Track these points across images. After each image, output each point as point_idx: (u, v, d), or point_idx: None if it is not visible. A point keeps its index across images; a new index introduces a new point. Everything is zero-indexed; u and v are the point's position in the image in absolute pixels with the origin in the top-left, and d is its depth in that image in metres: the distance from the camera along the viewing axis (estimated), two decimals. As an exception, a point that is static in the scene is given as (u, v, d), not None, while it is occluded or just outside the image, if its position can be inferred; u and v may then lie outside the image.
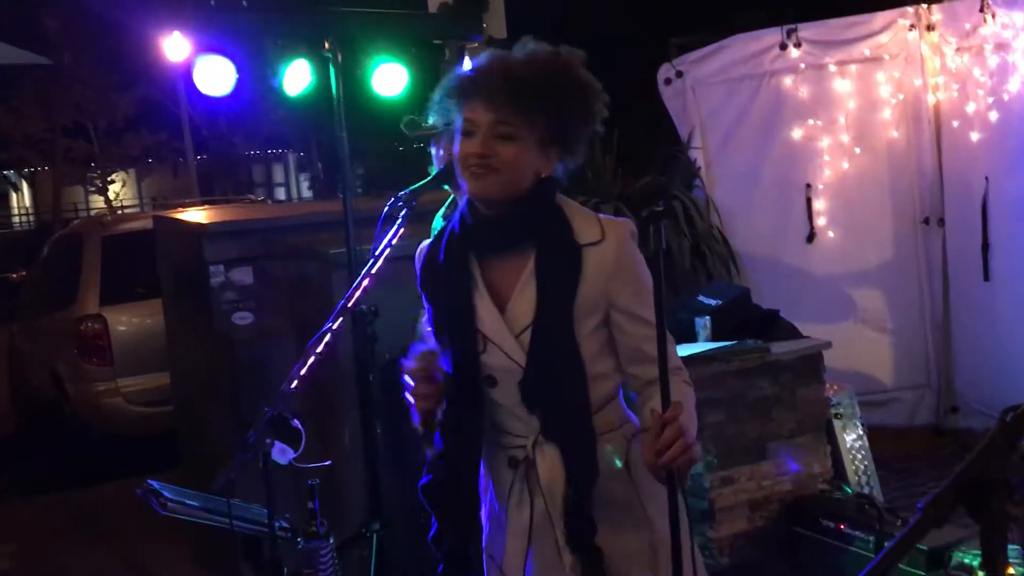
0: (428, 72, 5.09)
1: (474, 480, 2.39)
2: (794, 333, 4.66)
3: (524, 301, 2.24)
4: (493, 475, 2.37)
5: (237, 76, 4.23)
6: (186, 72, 4.37)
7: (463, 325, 2.27)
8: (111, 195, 28.09)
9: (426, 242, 2.44)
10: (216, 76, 4.20)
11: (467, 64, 4.65)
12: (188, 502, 3.07)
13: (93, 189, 28.47)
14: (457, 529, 2.45)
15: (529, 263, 2.24)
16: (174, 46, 4.48)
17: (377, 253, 3.21)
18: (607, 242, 2.23)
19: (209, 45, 4.25)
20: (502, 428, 2.32)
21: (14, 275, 16.79)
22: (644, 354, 2.21)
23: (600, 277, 2.22)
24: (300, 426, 3.01)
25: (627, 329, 2.24)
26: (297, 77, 4.39)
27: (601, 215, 2.30)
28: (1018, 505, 1.15)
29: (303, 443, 2.96)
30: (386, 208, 3.20)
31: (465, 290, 2.28)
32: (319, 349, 3.08)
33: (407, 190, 3.29)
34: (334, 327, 3.13)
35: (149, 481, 3.11)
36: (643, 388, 2.25)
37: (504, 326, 2.24)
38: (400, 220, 3.22)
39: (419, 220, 3.35)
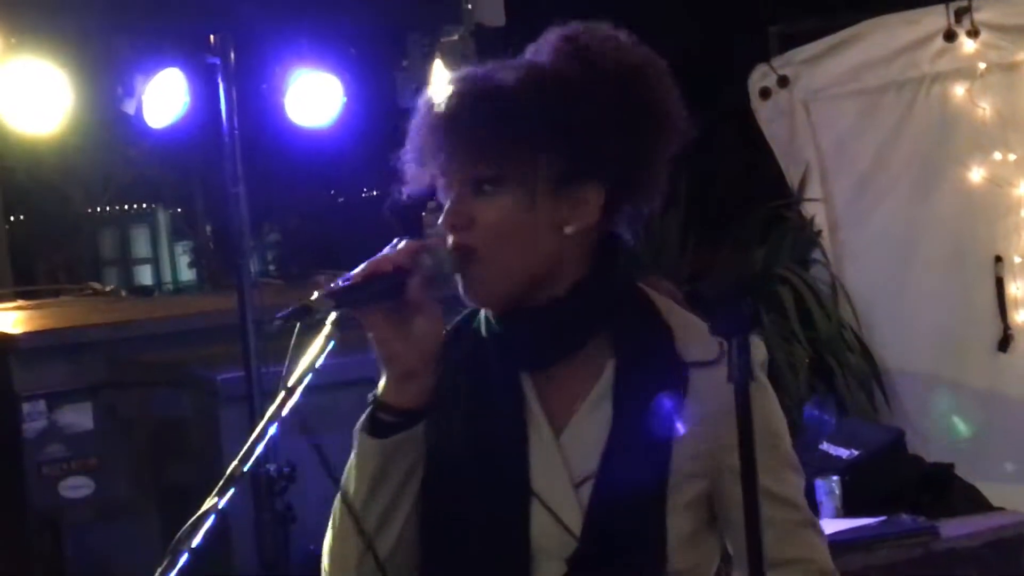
0: (378, 85, 5.16)
1: None
2: (979, 502, 4.64)
3: (586, 435, 2.24)
4: None
5: (66, 97, 4.30)
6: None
7: (504, 465, 2.25)
8: None
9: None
10: (30, 99, 4.27)
11: (437, 77, 4.76)
12: None
13: None
14: None
15: (606, 372, 2.25)
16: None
17: (291, 382, 3.23)
18: (723, 364, 2.16)
19: (22, 48, 4.32)
20: None
21: None
22: (771, 549, 2.15)
23: (712, 417, 2.20)
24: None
25: (730, 497, 2.21)
26: (165, 97, 4.46)
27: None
28: None
29: None
30: (305, 306, 3.22)
31: (513, 414, 2.27)
32: (195, 541, 3.08)
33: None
34: (221, 504, 3.14)
35: None
36: None
37: (562, 472, 2.24)
38: (329, 326, 3.24)
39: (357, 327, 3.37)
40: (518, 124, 2.18)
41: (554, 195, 2.20)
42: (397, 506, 2.25)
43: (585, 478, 2.21)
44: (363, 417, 2.27)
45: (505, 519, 2.23)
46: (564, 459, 2.24)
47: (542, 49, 2.27)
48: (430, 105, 2.22)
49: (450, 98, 2.20)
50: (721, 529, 2.28)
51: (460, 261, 2.19)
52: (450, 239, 2.20)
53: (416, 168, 2.25)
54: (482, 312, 2.28)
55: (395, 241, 2.22)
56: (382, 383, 2.24)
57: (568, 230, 2.21)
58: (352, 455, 2.29)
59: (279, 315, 2.17)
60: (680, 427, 2.17)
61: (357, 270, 2.17)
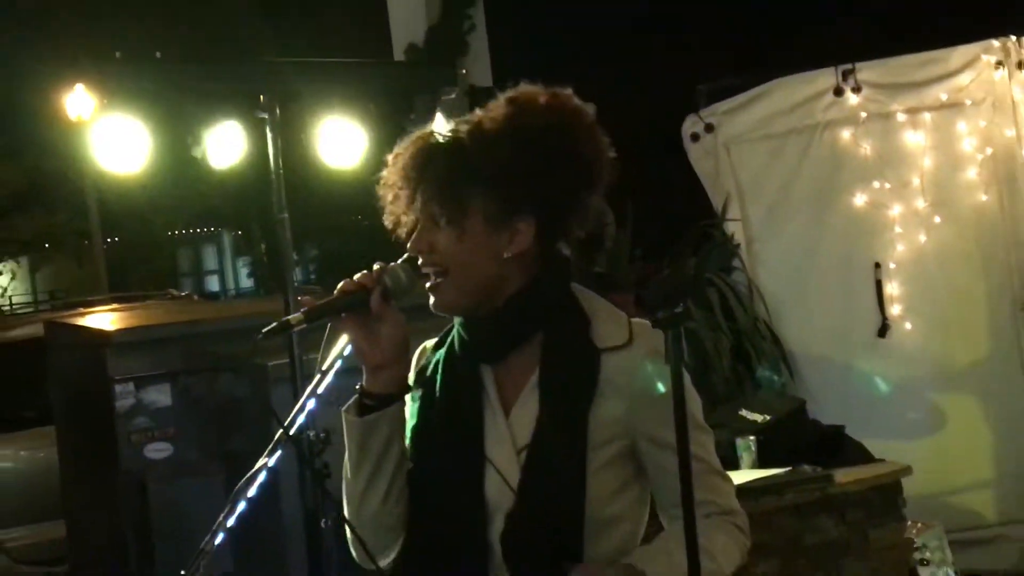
0: (392, 133, 5.13)
1: None
2: (864, 456, 4.63)
3: (527, 414, 2.25)
4: None
5: (148, 145, 4.27)
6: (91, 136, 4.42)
7: (466, 437, 2.28)
8: (-4, 291, 28.12)
9: (430, 341, 2.43)
10: (121, 145, 4.24)
11: (439, 121, 4.71)
12: None
13: (-27, 284, 28.50)
14: None
15: (537, 366, 2.26)
16: (77, 104, 4.53)
17: (325, 366, 3.20)
18: (635, 348, 2.23)
19: (113, 106, 4.29)
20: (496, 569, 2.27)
21: None
22: (674, 485, 2.15)
23: (621, 392, 2.22)
24: (228, 594, 2.98)
25: (660, 461, 2.23)
26: (226, 144, 4.44)
27: (635, 319, 2.28)
28: None
29: (231, 615, 2.93)
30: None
31: (473, 398, 2.31)
32: (252, 492, 3.06)
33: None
34: (271, 463, 3.11)
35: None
36: (675, 525, 2.23)
37: (508, 443, 2.26)
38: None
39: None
40: (450, 175, 2.21)
41: (490, 228, 2.23)
42: (380, 467, 2.28)
43: (523, 447, 2.24)
44: (350, 401, 2.32)
45: (465, 479, 2.27)
46: (511, 433, 2.26)
47: (489, 109, 2.28)
48: (402, 151, 2.26)
49: (415, 146, 2.25)
50: (650, 484, 2.29)
51: (431, 279, 2.25)
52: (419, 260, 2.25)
53: (391, 204, 2.29)
54: (456, 322, 2.33)
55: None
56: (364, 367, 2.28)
57: (506, 255, 2.24)
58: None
59: (264, 330, 2.26)
60: (593, 403, 2.21)
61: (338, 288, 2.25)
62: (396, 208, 2.28)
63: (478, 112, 2.28)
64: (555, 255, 2.30)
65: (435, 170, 2.21)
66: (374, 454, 2.28)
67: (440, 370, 2.35)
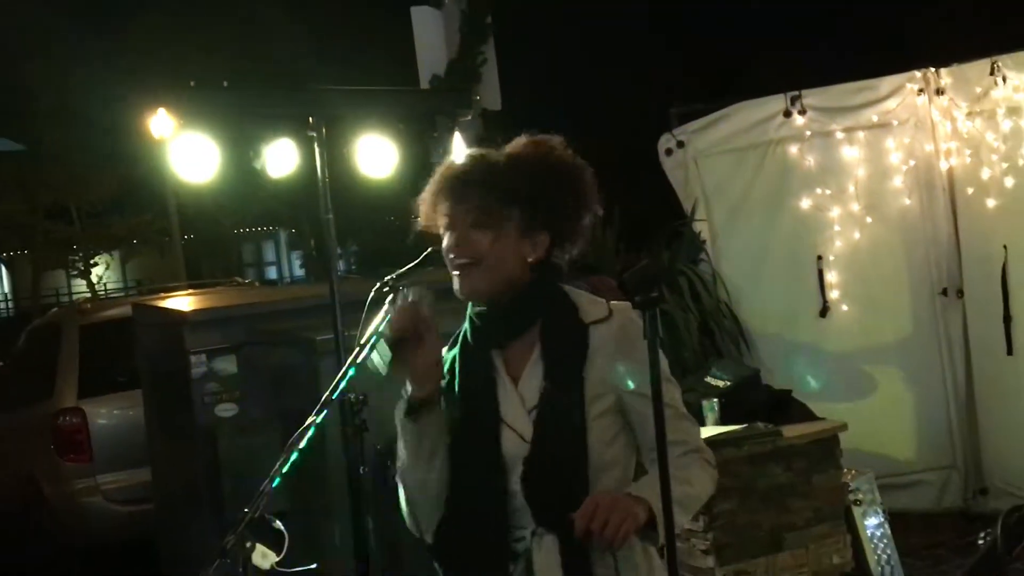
0: (418, 148, 5.13)
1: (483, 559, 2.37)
2: (808, 415, 4.64)
3: (533, 381, 2.32)
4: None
5: (217, 158, 4.27)
6: (171, 150, 4.42)
7: (483, 406, 2.35)
8: (94, 279, 28.12)
9: (444, 348, 2.45)
10: (195, 158, 4.24)
11: (457, 139, 4.71)
12: (164, 612, 3.02)
13: (75, 273, 28.50)
14: None
15: (538, 343, 2.33)
16: (159, 124, 4.53)
17: (363, 340, 3.21)
18: (613, 319, 2.32)
19: (188, 126, 4.29)
20: (510, 519, 2.32)
21: (-8, 367, 16.73)
22: (652, 429, 2.21)
23: (606, 355, 2.29)
24: (283, 527, 2.97)
25: (638, 409, 2.28)
26: (281, 158, 4.43)
27: (613, 301, 2.37)
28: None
29: (286, 545, 2.93)
30: (372, 292, 3.21)
31: (487, 375, 2.37)
32: (303, 444, 3.06)
33: (393, 273, 3.31)
34: (318, 420, 3.12)
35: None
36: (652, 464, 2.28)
37: (520, 406, 2.32)
38: (387, 304, 3.23)
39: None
40: (500, 189, 2.31)
41: (520, 237, 2.33)
42: (434, 455, 2.34)
43: (533, 407, 2.31)
44: (400, 406, 2.38)
45: (485, 440, 2.33)
46: (521, 398, 2.33)
47: (516, 146, 2.39)
48: (446, 170, 2.37)
49: (461, 167, 2.36)
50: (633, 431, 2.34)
51: (466, 266, 2.31)
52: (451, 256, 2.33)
53: (428, 208, 2.39)
54: (466, 322, 2.41)
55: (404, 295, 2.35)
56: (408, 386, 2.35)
57: (529, 259, 2.34)
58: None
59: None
60: (585, 365, 2.29)
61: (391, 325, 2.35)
62: (429, 211, 2.39)
63: (506, 148, 2.39)
64: (551, 262, 2.39)
65: (482, 187, 2.31)
66: (428, 445, 2.34)
67: (458, 361, 2.41)
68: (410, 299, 2.33)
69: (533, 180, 2.32)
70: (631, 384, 2.28)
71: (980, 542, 1.26)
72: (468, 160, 2.38)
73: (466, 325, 2.42)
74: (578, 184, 2.37)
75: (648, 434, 2.23)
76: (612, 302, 2.36)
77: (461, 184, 2.32)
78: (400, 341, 2.30)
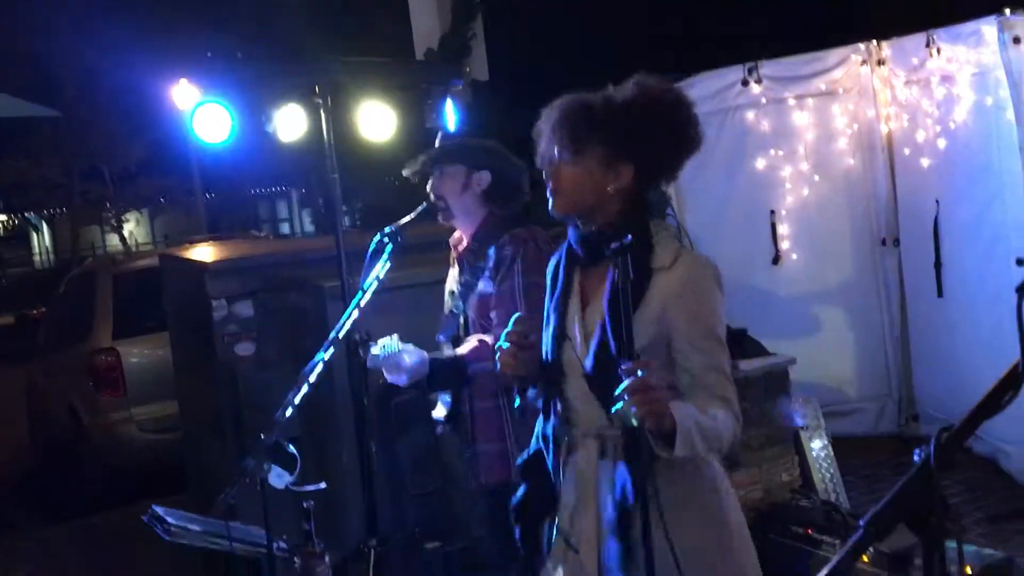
0: (414, 114, 5.08)
1: (550, 455, 2.45)
2: (761, 351, 4.65)
3: (597, 309, 2.31)
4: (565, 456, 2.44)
5: (233, 124, 4.21)
6: (193, 117, 4.37)
7: (554, 321, 2.40)
8: (126, 234, 28.04)
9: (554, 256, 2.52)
10: (213, 124, 4.19)
11: (449, 106, 4.64)
12: (190, 527, 3.03)
13: (109, 229, 28.43)
14: (536, 499, 2.49)
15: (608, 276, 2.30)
16: (182, 93, 4.47)
17: (365, 285, 3.20)
18: (676, 270, 2.29)
19: (207, 95, 4.23)
20: (569, 417, 2.39)
21: (35, 312, 16.70)
22: (691, 374, 2.25)
23: (661, 301, 2.26)
24: (295, 451, 2.98)
25: (683, 354, 2.26)
26: (291, 122, 4.38)
27: (689, 250, 2.37)
28: (953, 521, 1.14)
29: (298, 468, 2.94)
30: (373, 243, 3.19)
31: (565, 292, 2.41)
32: (312, 378, 3.06)
33: (393, 225, 3.29)
34: (326, 357, 3.12)
35: (154, 507, 3.07)
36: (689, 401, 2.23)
37: (581, 327, 2.34)
38: (387, 254, 3.22)
39: (406, 253, 3.34)
40: (579, 127, 2.30)
41: (602, 169, 2.31)
42: None
43: (592, 332, 2.32)
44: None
45: (552, 350, 2.39)
46: (583, 322, 2.35)
47: (621, 88, 2.35)
48: (550, 108, 2.37)
49: (560, 104, 2.36)
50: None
51: (553, 193, 2.35)
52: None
53: (540, 147, 2.38)
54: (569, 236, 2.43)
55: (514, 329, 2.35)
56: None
57: (609, 189, 2.32)
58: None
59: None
60: (641, 309, 2.25)
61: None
62: (542, 147, 2.37)
63: (611, 88, 2.37)
64: (643, 198, 2.37)
65: (570, 123, 2.30)
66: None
67: (553, 272, 2.47)
68: (509, 343, 2.33)
69: (618, 114, 2.28)
70: (679, 327, 2.25)
71: (915, 458, 1.26)
72: (568, 98, 2.36)
73: (566, 243, 2.46)
74: (667, 118, 2.29)
75: (687, 377, 2.24)
76: (686, 251, 2.34)
77: (557, 119, 2.32)
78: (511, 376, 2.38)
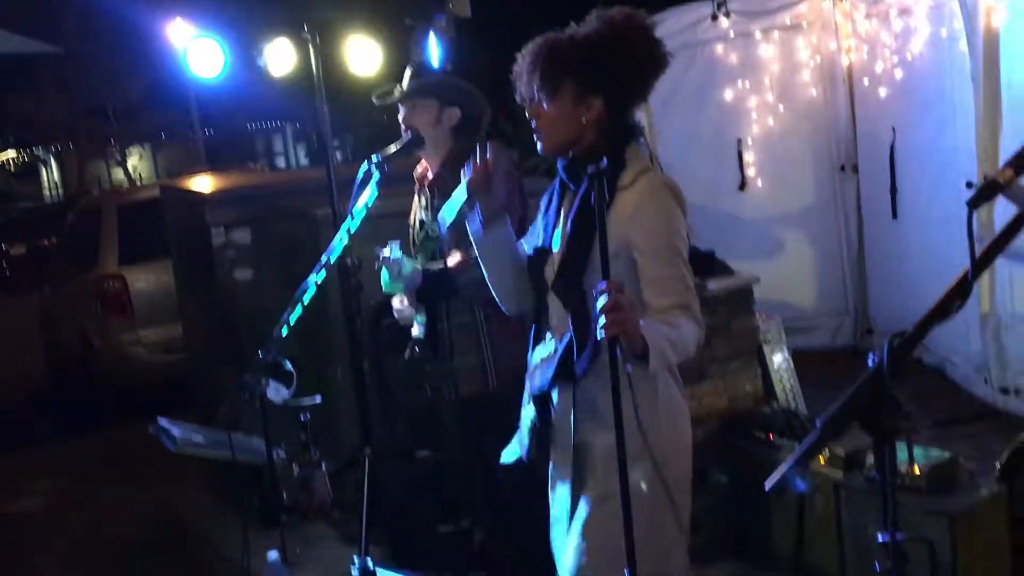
0: (399, 50, 5.00)
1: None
2: (727, 271, 4.64)
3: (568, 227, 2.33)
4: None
5: (226, 59, 4.14)
6: (189, 54, 4.28)
7: (542, 240, 2.42)
8: (130, 168, 27.77)
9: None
10: (207, 59, 4.11)
11: (432, 41, 4.55)
12: (194, 438, 3.05)
13: (114, 164, 28.14)
14: (544, 423, 2.49)
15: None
16: (176, 30, 4.37)
17: (354, 213, 3.17)
18: (635, 187, 2.29)
19: (200, 31, 4.15)
20: (551, 326, 2.42)
21: (46, 242, 16.58)
22: (654, 285, 2.25)
23: (622, 217, 2.26)
24: (292, 368, 2.98)
25: (643, 266, 2.27)
26: (281, 57, 4.31)
27: (652, 170, 2.34)
28: (905, 419, 1.14)
29: (295, 383, 2.94)
30: (360, 172, 3.15)
31: (555, 216, 2.41)
32: (305, 299, 3.05)
33: (379, 154, 3.25)
34: (319, 280, 3.10)
35: (160, 421, 3.08)
36: (653, 315, 2.24)
37: (561, 242, 2.35)
38: (374, 183, 3.18)
39: (392, 183, 3.31)
40: (551, 68, 2.29)
41: (574, 104, 2.30)
42: (500, 262, 2.47)
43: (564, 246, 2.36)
44: (474, 229, 2.45)
45: (537, 264, 2.40)
46: (563, 237, 2.35)
47: (585, 23, 2.33)
48: (523, 50, 2.35)
49: (531, 48, 2.34)
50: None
51: (537, 133, 2.35)
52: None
53: (520, 89, 2.36)
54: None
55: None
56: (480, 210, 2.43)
57: (583, 121, 2.31)
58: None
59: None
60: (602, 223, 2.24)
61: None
62: (522, 90, 2.36)
63: (574, 25, 2.35)
64: (617, 124, 2.34)
65: (541, 66, 2.30)
66: (494, 254, 2.45)
67: (547, 199, 2.47)
68: (482, 158, 2.39)
69: (583, 50, 2.27)
70: (638, 241, 2.26)
71: (869, 363, 1.26)
72: (538, 41, 2.34)
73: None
74: (629, 46, 2.28)
75: (643, 283, 2.25)
76: (649, 171, 2.33)
77: (529, 63, 2.31)
78: (476, 191, 2.40)
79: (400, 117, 3.41)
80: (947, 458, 3.29)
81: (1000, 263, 4.58)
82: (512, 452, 2.48)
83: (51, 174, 33.76)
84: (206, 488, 5.15)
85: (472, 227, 2.47)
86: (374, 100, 3.49)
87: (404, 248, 3.31)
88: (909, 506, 3.11)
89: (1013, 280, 4.72)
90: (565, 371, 2.32)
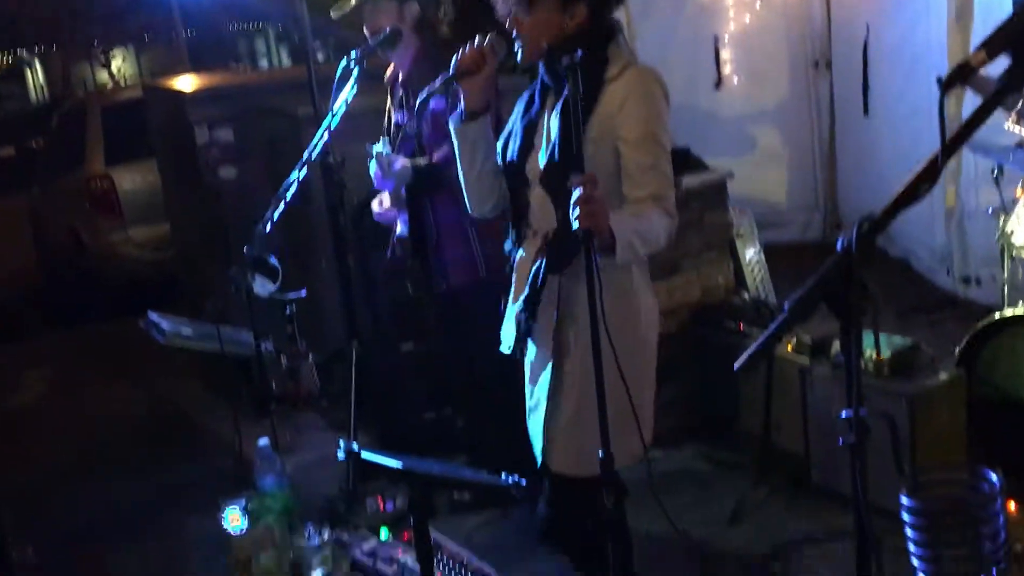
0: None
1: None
2: (702, 166, 4.59)
3: (555, 123, 2.28)
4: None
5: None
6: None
7: (521, 135, 2.38)
8: (114, 70, 27.15)
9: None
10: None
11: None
12: (183, 331, 3.03)
13: (98, 65, 27.50)
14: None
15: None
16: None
17: (334, 109, 3.09)
18: (623, 79, 2.27)
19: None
20: (529, 219, 2.41)
21: (33, 143, 16.27)
22: (631, 176, 2.25)
23: (609, 108, 2.24)
24: (277, 263, 2.95)
25: (626, 156, 2.25)
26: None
27: (638, 66, 2.31)
28: (868, 300, 1.13)
29: (280, 277, 2.92)
30: (339, 69, 3.07)
31: (538, 112, 2.38)
32: (288, 196, 3.01)
33: (358, 50, 3.17)
34: (300, 177, 3.05)
35: (150, 314, 3.05)
36: (627, 206, 2.26)
37: (545, 141, 2.32)
38: (354, 78, 3.11)
39: (370, 79, 3.23)
40: None
41: (558, 12, 2.28)
42: (477, 157, 2.42)
43: (549, 142, 2.31)
44: (455, 118, 2.39)
45: (518, 158, 2.40)
46: (547, 137, 2.32)
47: None
48: None
49: None
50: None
51: (519, 42, 2.31)
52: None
53: (497, 5, 2.34)
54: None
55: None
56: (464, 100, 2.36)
57: (567, 27, 2.28)
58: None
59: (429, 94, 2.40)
60: (591, 117, 2.23)
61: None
62: (498, 6, 2.32)
63: None
64: (599, 24, 2.30)
65: None
66: (473, 150, 2.39)
67: (528, 99, 2.43)
68: (479, 42, 2.32)
69: None
70: (622, 132, 2.24)
71: (838, 246, 1.24)
72: None
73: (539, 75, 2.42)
74: None
75: (623, 171, 2.25)
76: (636, 66, 2.29)
77: None
78: (465, 72, 2.31)
79: (364, 26, 3.35)
80: (909, 344, 3.32)
81: (966, 156, 4.55)
82: (506, 344, 2.47)
83: (36, 76, 32.95)
84: (197, 379, 5.17)
85: (453, 116, 2.41)
86: (332, 15, 3.41)
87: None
88: (872, 388, 3.15)
89: (978, 173, 4.69)
90: (551, 267, 2.30)
